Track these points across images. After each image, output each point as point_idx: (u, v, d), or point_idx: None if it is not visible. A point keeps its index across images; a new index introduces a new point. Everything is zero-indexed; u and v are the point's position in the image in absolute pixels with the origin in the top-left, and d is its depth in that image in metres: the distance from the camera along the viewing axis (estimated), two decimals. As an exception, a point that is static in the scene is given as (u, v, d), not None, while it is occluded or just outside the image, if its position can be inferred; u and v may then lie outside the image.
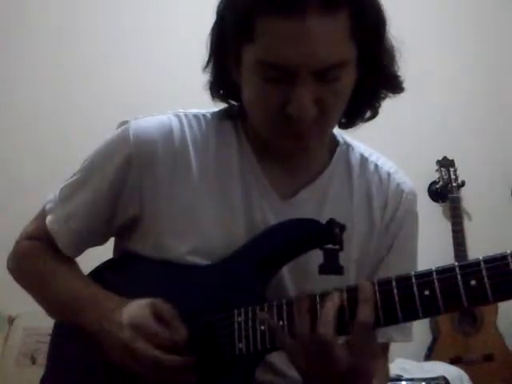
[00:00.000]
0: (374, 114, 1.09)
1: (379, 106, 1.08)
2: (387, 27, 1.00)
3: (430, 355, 2.85)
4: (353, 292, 0.88)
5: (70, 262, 1.15)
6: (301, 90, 0.93)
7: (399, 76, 1.05)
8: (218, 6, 1.01)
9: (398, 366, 2.53)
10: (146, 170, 1.05)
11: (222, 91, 1.08)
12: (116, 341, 0.96)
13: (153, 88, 2.79)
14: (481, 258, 0.82)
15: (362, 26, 0.94)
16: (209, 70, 1.06)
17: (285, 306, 0.93)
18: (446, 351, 2.83)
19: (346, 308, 0.88)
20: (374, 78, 1.02)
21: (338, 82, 0.95)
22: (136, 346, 0.94)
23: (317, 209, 1.08)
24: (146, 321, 0.96)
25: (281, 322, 0.92)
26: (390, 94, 1.07)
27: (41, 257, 1.14)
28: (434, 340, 2.89)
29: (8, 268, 1.20)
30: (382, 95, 1.07)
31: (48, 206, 1.14)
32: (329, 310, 0.87)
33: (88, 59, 2.82)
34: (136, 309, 0.98)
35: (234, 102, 1.10)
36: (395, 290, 0.86)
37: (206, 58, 1.06)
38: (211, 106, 1.12)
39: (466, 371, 2.59)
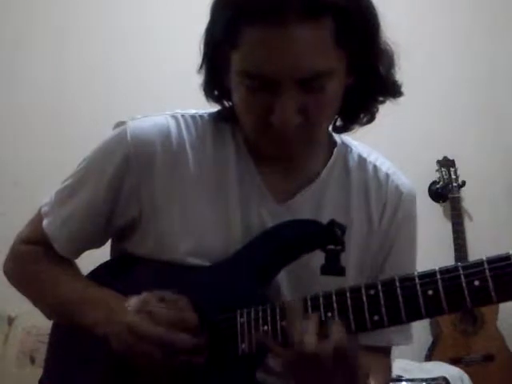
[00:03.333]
0: (371, 119, 1.07)
1: (376, 110, 1.07)
2: (380, 31, 0.98)
3: (430, 355, 2.85)
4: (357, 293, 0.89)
5: (68, 263, 1.14)
6: (283, 100, 0.91)
7: (396, 81, 1.03)
8: (211, 7, 0.99)
9: (398, 366, 2.52)
10: (144, 170, 1.04)
11: (215, 92, 1.07)
12: (121, 326, 0.94)
13: (153, 88, 2.78)
14: (484, 258, 0.83)
15: (349, 32, 0.91)
16: (202, 71, 1.05)
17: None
18: (446, 351, 2.82)
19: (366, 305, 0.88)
20: (367, 83, 1.01)
21: (323, 91, 0.93)
22: (142, 326, 0.92)
23: (314, 211, 1.07)
24: (151, 298, 0.95)
25: (283, 323, 0.92)
26: (391, 99, 1.05)
27: (39, 261, 1.13)
28: (435, 340, 2.89)
29: (4, 272, 1.18)
30: (380, 99, 1.05)
31: (44, 209, 1.13)
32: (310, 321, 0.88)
33: (88, 60, 2.81)
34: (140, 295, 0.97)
35: (228, 104, 1.08)
36: (399, 290, 0.87)
37: (200, 60, 1.04)
38: (211, 106, 1.10)
39: (467, 371, 2.60)
